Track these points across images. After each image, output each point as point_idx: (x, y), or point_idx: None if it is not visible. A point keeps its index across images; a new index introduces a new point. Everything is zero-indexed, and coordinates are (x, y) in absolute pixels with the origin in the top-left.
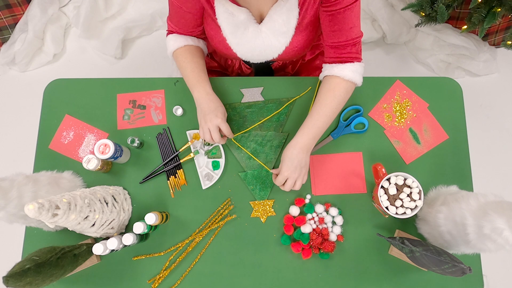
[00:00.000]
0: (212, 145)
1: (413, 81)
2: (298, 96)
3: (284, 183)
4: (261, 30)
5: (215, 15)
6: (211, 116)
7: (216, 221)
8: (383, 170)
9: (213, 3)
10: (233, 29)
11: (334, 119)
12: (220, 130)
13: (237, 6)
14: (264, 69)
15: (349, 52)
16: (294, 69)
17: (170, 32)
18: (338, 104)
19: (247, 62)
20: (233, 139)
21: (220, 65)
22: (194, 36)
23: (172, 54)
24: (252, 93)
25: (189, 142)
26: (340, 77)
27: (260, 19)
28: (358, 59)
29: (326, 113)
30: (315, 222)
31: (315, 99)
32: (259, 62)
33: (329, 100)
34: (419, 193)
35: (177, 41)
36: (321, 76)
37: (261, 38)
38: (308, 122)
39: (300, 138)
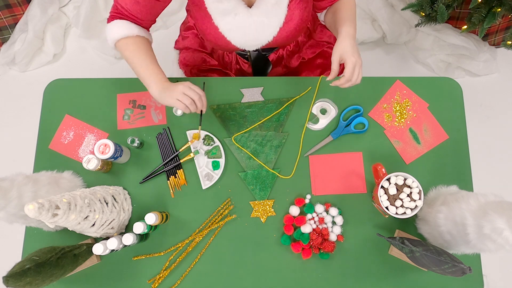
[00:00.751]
0: (212, 145)
1: (413, 81)
2: (298, 96)
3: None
4: (252, 13)
5: (205, 4)
6: (177, 84)
7: (216, 221)
8: (383, 170)
9: None
10: (223, 15)
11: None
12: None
13: None
14: (261, 61)
15: None
16: (294, 63)
17: (118, 16)
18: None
19: (243, 56)
20: (233, 139)
21: (220, 63)
22: (143, 27)
23: (118, 41)
24: (252, 93)
25: (189, 142)
26: None
27: (249, 4)
28: None
29: (352, 9)
30: (315, 222)
31: (337, 11)
32: (254, 49)
33: (351, 3)
34: (419, 193)
35: (130, 29)
36: (327, 11)
37: (253, 21)
38: (346, 18)
39: (349, 28)
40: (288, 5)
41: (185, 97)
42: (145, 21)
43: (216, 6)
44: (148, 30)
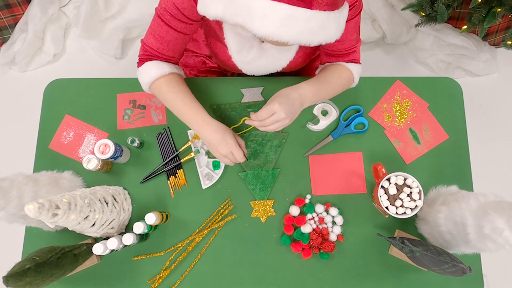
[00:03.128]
0: None
1: (413, 81)
2: None
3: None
4: (264, 48)
5: (223, 35)
6: (222, 146)
7: (216, 221)
8: (383, 170)
9: (222, 24)
10: (239, 47)
11: (331, 97)
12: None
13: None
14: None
15: (349, 59)
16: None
17: (149, 57)
18: (340, 85)
19: None
20: None
21: (219, 67)
22: (173, 63)
23: (153, 83)
24: (252, 93)
25: (190, 142)
26: (345, 66)
27: None
28: (357, 61)
29: (330, 83)
30: (315, 222)
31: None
32: (262, 75)
33: (336, 75)
34: (419, 193)
35: (161, 68)
36: (319, 70)
37: (266, 56)
38: (313, 79)
39: (303, 85)
40: None
41: (227, 160)
42: (175, 57)
43: (234, 37)
44: (178, 64)
